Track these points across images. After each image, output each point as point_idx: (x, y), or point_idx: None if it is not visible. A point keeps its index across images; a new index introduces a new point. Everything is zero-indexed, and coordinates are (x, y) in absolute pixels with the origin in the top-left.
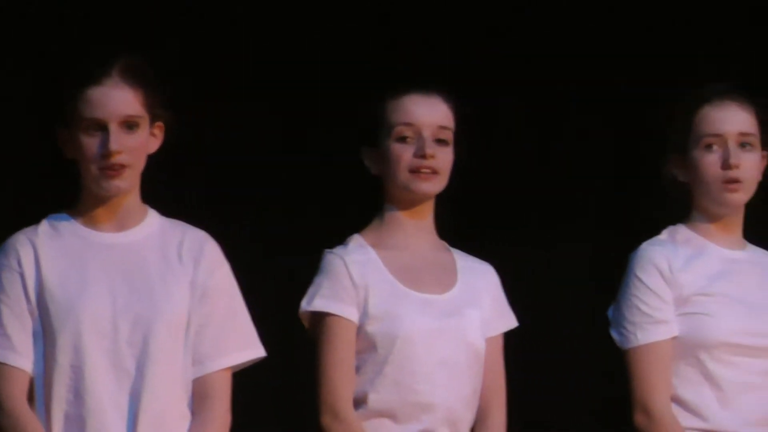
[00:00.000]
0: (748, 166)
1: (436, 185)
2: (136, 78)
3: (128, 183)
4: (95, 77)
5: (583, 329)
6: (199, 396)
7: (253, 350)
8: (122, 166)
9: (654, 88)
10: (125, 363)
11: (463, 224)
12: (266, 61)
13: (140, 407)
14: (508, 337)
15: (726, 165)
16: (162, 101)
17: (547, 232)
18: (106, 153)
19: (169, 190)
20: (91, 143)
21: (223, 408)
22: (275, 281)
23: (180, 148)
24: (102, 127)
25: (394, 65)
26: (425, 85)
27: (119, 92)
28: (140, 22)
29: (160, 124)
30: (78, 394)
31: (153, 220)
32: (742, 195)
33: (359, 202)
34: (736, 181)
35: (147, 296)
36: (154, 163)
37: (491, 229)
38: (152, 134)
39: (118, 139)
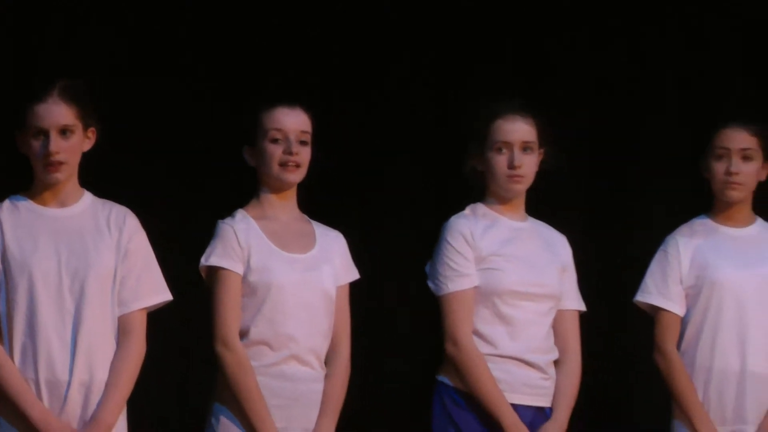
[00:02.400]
0: (527, 165)
1: (298, 175)
2: (71, 96)
3: (65, 174)
4: (40, 96)
5: (408, 281)
6: (122, 330)
7: (163, 295)
8: (60, 163)
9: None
10: (67, 305)
11: (321, 201)
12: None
13: (78, 339)
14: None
15: (511, 165)
16: (93, 112)
17: (383, 209)
18: (47, 153)
19: (105, 175)
20: (37, 145)
21: (140, 339)
22: (179, 243)
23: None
24: (45, 134)
25: (267, 83)
26: (290, 99)
27: (57, 107)
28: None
29: (92, 129)
30: (32, 328)
31: (87, 199)
32: (523, 186)
33: (242, 185)
34: (519, 176)
35: (83, 255)
36: (89, 157)
37: (342, 205)
38: (86, 137)
39: (56, 143)
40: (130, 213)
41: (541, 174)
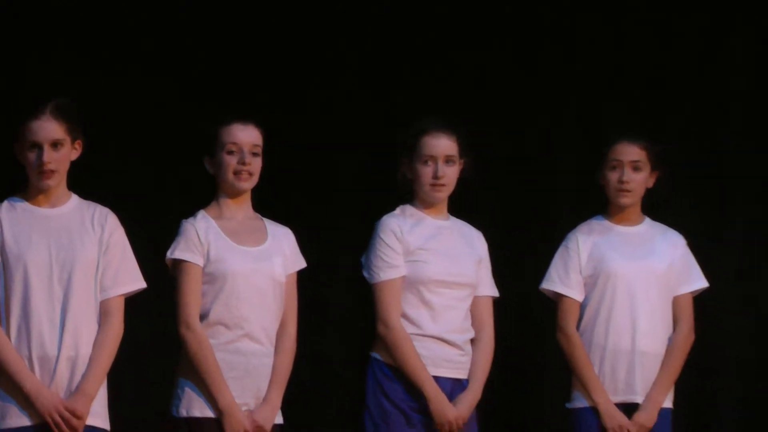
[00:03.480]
0: (449, 175)
1: (251, 183)
2: (61, 114)
3: (56, 181)
4: (35, 114)
5: (346, 271)
6: (103, 314)
7: (138, 283)
8: (51, 171)
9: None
10: (56, 292)
11: (274, 202)
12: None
13: (66, 320)
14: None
15: (435, 176)
16: (80, 127)
17: (326, 208)
18: (40, 164)
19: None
20: (32, 156)
21: (118, 322)
22: (152, 239)
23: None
24: (39, 147)
25: (226, 101)
26: (245, 117)
27: (49, 124)
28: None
29: (79, 141)
30: (26, 312)
31: (74, 201)
32: (444, 194)
33: (204, 190)
34: (441, 185)
35: (70, 249)
36: (76, 165)
37: (293, 205)
38: (74, 149)
39: (48, 155)
40: (111, 213)
41: (462, 181)
